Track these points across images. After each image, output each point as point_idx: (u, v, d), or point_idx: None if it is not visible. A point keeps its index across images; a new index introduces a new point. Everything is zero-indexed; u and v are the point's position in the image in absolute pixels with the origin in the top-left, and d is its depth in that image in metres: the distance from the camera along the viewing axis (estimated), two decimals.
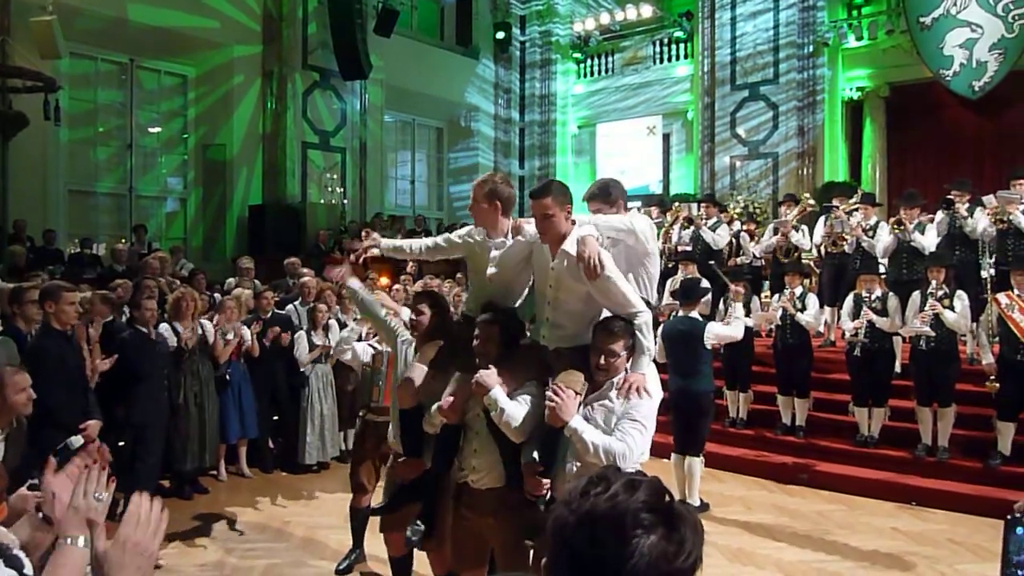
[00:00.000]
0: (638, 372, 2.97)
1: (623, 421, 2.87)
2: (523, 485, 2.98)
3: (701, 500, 6.04)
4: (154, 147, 13.19)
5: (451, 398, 3.09)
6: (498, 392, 2.93)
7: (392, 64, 14.46)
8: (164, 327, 6.16)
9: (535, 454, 2.97)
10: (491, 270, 3.31)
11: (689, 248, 9.04)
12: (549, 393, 2.84)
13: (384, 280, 7.08)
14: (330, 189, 14.22)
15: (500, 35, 17.08)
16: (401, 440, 3.57)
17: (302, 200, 13.45)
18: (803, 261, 9.02)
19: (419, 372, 3.37)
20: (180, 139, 13.44)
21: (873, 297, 6.76)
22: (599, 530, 1.06)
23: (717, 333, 6.04)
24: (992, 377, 6.18)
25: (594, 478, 1.14)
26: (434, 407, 3.16)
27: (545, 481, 2.91)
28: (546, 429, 2.90)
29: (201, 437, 6.31)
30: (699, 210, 9.72)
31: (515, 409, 2.94)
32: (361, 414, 4.87)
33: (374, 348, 4.94)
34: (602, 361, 2.93)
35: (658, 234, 10.15)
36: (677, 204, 10.41)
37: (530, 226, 3.22)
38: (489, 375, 2.95)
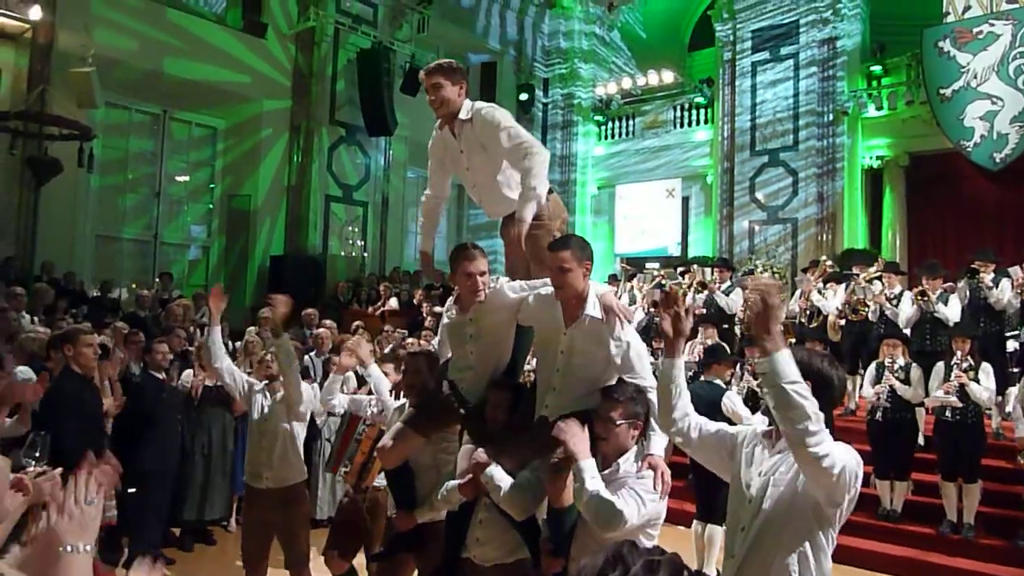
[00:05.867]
0: (657, 455, 2.73)
1: (625, 487, 2.62)
2: (539, 563, 2.82)
3: (718, 571, 5.86)
4: (181, 195, 13.44)
5: (469, 476, 2.93)
6: (495, 471, 2.82)
7: (416, 121, 14.69)
8: (187, 374, 6.17)
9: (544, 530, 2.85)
10: (469, 344, 3.14)
11: (704, 312, 8.99)
12: (556, 431, 2.59)
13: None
14: (351, 242, 14.37)
15: (523, 96, 17.41)
16: (392, 494, 3.53)
17: (323, 252, 13.61)
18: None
19: (401, 433, 3.26)
20: (207, 188, 13.71)
21: (896, 366, 6.65)
22: None
23: (737, 412, 5.88)
24: None
25: (611, 559, 1.09)
26: (450, 484, 3.04)
27: (559, 560, 2.71)
28: (552, 506, 2.73)
29: (205, 486, 6.24)
30: (713, 274, 9.68)
31: (513, 487, 2.80)
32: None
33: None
34: (600, 430, 2.73)
35: None
36: (695, 267, 10.42)
37: (501, 284, 3.09)
38: (483, 455, 2.84)
